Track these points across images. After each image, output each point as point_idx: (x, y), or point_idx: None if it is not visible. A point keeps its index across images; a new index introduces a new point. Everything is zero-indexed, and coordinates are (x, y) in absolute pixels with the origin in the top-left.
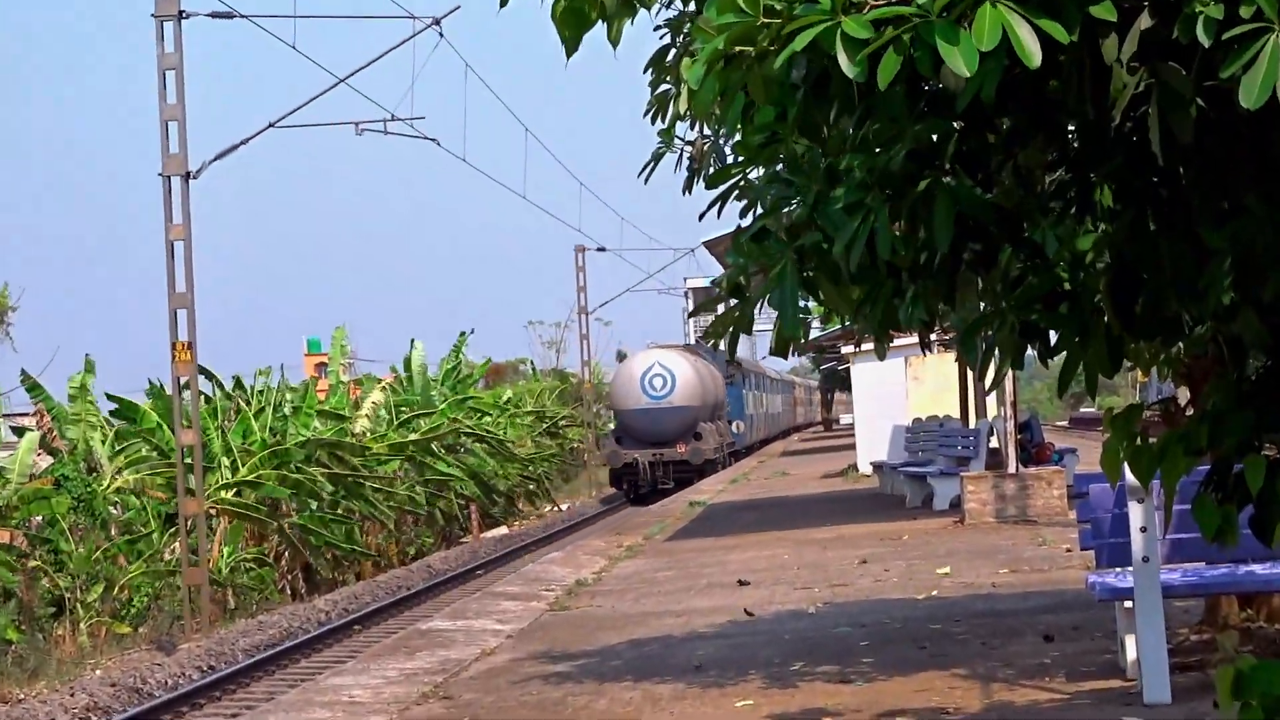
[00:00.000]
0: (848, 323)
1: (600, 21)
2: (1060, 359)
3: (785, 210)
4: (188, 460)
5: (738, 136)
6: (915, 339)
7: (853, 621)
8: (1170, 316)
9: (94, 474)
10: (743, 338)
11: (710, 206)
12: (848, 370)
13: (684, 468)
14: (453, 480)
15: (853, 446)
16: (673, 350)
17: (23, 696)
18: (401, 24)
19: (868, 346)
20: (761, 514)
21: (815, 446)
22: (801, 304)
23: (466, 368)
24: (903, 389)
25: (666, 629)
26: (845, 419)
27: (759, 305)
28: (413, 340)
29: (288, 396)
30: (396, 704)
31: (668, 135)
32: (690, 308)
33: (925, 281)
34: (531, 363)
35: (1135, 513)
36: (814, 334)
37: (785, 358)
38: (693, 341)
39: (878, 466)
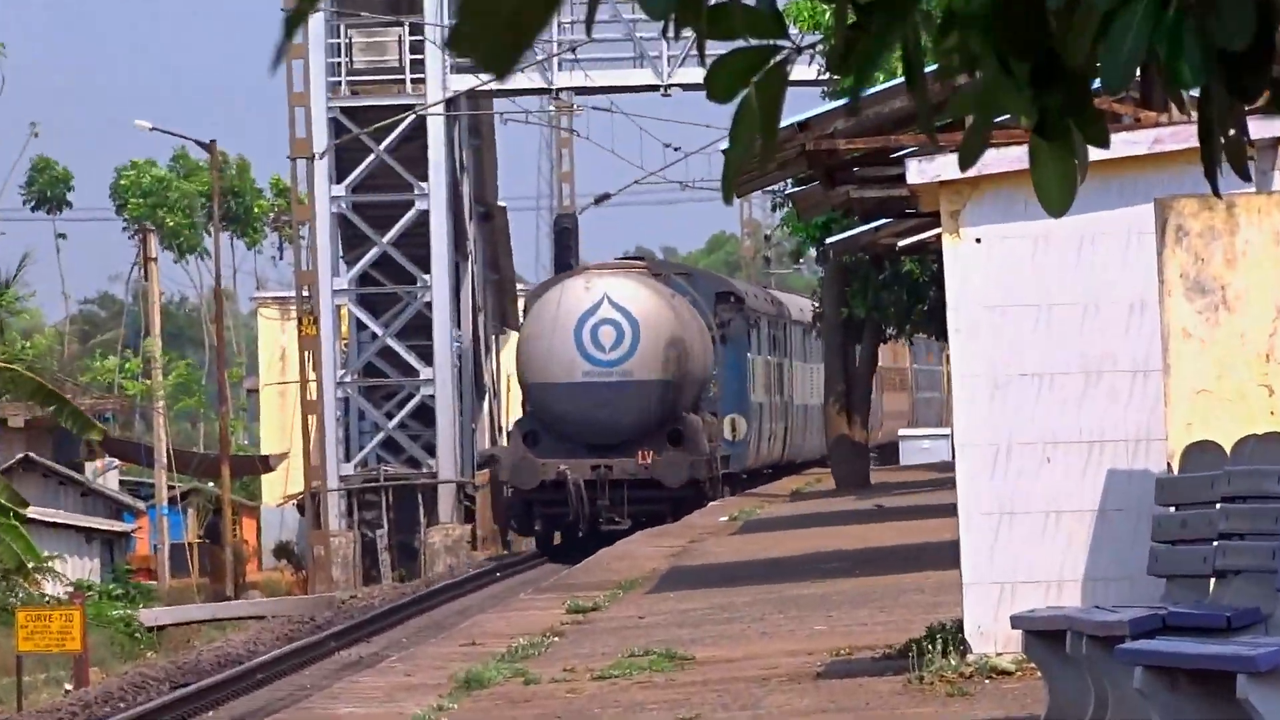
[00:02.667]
0: (932, 66)
1: None
2: None
3: None
4: None
5: None
6: (1191, 135)
7: None
8: None
9: None
10: None
11: None
12: (928, 261)
13: (649, 492)
14: None
15: (950, 555)
16: (632, 275)
17: None
18: None
19: (995, 166)
20: None
21: (803, 550)
22: None
23: None
24: (1147, 323)
25: None
26: (914, 445)
27: None
28: None
29: None
30: None
31: None
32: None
33: None
34: None
35: None
36: (797, 111)
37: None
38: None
39: (1037, 634)
